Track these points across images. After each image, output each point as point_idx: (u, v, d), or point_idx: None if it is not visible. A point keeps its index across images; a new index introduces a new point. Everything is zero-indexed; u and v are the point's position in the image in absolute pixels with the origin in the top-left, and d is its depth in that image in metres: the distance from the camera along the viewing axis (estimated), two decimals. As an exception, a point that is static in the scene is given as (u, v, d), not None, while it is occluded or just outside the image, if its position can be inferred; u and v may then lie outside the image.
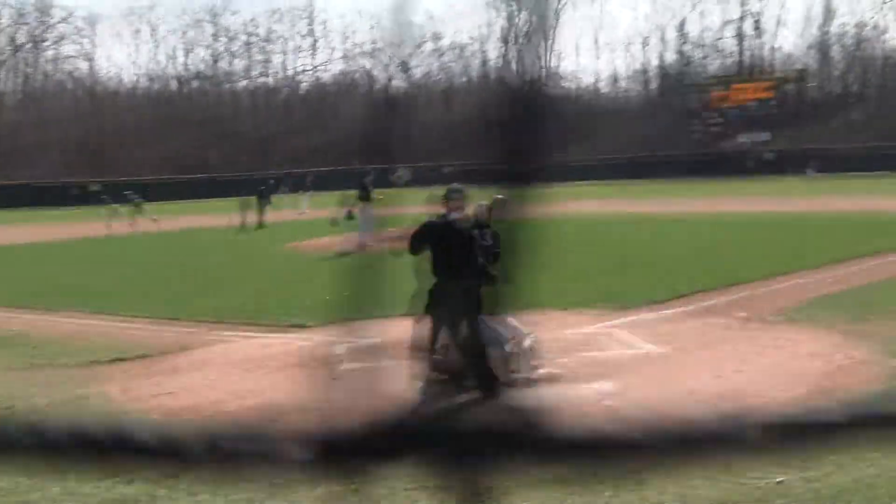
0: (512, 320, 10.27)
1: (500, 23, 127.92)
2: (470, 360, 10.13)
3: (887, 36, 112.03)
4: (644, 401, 9.50)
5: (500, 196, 13.30)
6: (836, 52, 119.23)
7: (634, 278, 18.03)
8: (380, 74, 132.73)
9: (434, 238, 10.21)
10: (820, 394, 9.49)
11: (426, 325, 10.36)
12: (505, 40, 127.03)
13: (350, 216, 29.36)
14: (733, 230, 29.61)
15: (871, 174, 73.73)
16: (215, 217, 47.22)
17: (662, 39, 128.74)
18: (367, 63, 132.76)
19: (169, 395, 10.50)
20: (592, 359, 11.61)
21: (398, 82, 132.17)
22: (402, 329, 13.12)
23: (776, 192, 58.13)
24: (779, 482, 7.06)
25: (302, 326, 14.47)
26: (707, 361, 11.33)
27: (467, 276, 10.17)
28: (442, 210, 10.45)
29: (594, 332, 13.47)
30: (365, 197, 28.74)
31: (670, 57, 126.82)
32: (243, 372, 11.51)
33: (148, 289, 20.26)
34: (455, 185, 10.72)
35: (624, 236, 29.72)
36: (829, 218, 33.52)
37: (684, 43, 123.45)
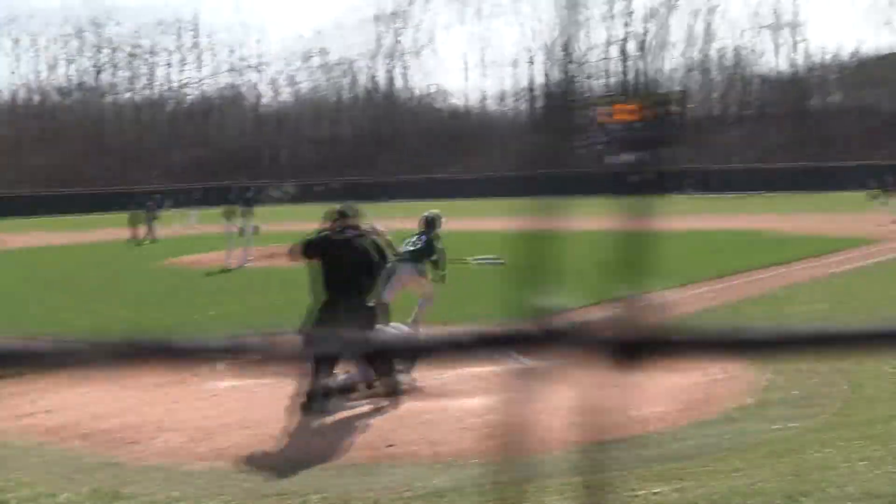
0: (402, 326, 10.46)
1: (386, 40, 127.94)
2: (377, 368, 10.18)
3: (764, 59, 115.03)
4: (524, 415, 9.56)
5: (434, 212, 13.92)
6: (715, 73, 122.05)
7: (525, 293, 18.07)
8: (265, 89, 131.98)
9: (330, 253, 10.17)
10: (697, 406, 9.69)
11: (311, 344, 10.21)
12: (391, 57, 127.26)
13: (240, 231, 29.00)
14: (610, 247, 29.89)
15: (748, 193, 75.70)
16: (98, 232, 46.43)
17: (547, 58, 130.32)
18: (252, 77, 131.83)
19: (46, 414, 10.27)
20: (475, 374, 11.68)
21: (284, 97, 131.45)
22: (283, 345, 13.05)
23: (656, 209, 58.99)
24: (655, 493, 7.19)
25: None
26: (588, 376, 11.45)
27: (361, 293, 10.20)
28: (335, 227, 10.46)
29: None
30: (246, 212, 28.51)
31: (554, 76, 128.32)
32: (121, 389, 11.29)
33: (22, 304, 19.78)
34: (349, 203, 10.81)
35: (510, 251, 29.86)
36: (705, 235, 34.28)
37: (569, 62, 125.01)
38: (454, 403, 10.25)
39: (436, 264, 13.88)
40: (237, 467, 8.27)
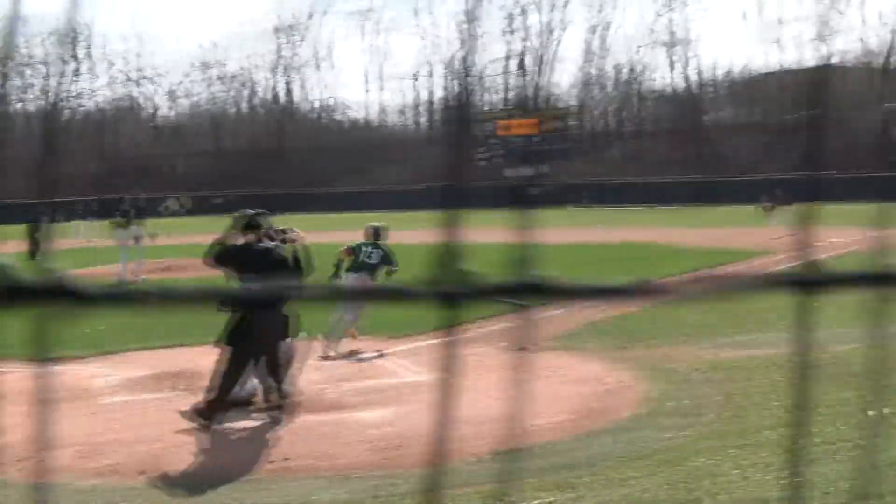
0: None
1: (284, 52, 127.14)
2: (273, 380, 10.14)
3: (656, 74, 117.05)
4: (407, 429, 9.63)
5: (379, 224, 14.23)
6: (610, 88, 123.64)
7: (410, 306, 18.12)
8: (158, 101, 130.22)
9: (247, 262, 10.03)
10: (590, 416, 9.86)
11: (226, 357, 10.10)
12: (286, 69, 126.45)
13: (134, 243, 28.50)
14: (507, 259, 30.08)
15: (640, 206, 76.89)
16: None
17: (446, 72, 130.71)
18: (148, 88, 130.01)
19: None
20: (359, 388, 11.73)
21: (177, 109, 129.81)
22: (168, 360, 12.95)
23: (550, 222, 59.78)
24: (549, 502, 7.30)
25: (69, 358, 13.97)
26: (481, 388, 11.58)
27: (279, 304, 10.14)
28: (245, 239, 10.42)
29: (363, 361, 13.62)
30: (125, 224, 28.08)
31: (454, 89, 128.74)
32: (9, 404, 11.07)
33: None
34: (261, 211, 10.73)
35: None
36: (597, 247, 34.67)
37: (468, 76, 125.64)
38: (351, 416, 10.28)
39: (391, 274, 14.55)
40: (127, 483, 8.19)
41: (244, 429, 9.91)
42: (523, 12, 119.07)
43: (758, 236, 39.09)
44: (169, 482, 8.20)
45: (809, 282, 0.98)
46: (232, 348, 9.98)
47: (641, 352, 13.60)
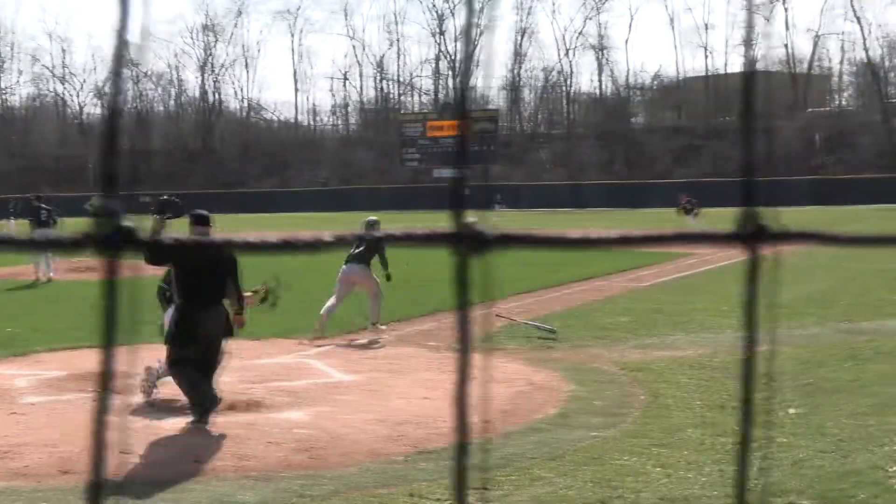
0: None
1: (207, 51, 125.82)
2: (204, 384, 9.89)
3: (573, 80, 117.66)
4: (333, 429, 9.51)
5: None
6: (531, 93, 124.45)
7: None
8: (73, 99, 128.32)
9: (186, 258, 9.73)
10: (502, 417, 9.79)
11: (170, 357, 9.86)
12: (203, 70, 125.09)
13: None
14: (423, 262, 30.09)
15: (561, 210, 77.63)
16: None
17: (360, 75, 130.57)
18: (59, 87, 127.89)
19: None
20: (284, 388, 11.55)
21: (93, 108, 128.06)
22: (81, 360, 12.65)
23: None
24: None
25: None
26: (397, 389, 11.49)
27: (221, 298, 9.94)
28: (194, 232, 10.15)
29: (288, 361, 13.43)
30: (39, 224, 27.57)
31: (371, 93, 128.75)
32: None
33: None
34: (200, 211, 10.50)
35: (314, 266, 29.74)
36: (513, 252, 34.76)
37: (383, 79, 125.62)
38: (262, 417, 10.11)
39: (384, 264, 15.48)
40: (35, 487, 7.94)
41: (169, 428, 9.67)
42: (453, 13, 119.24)
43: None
44: (74, 486, 7.93)
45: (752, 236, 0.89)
46: (173, 347, 9.77)
47: (565, 353, 13.58)
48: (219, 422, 9.74)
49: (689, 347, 13.74)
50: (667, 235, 0.93)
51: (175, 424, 9.82)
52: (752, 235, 0.91)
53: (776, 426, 9.10)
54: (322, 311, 15.05)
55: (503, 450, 8.65)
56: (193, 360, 9.74)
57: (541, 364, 12.69)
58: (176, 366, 9.78)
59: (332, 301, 15.32)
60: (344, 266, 15.45)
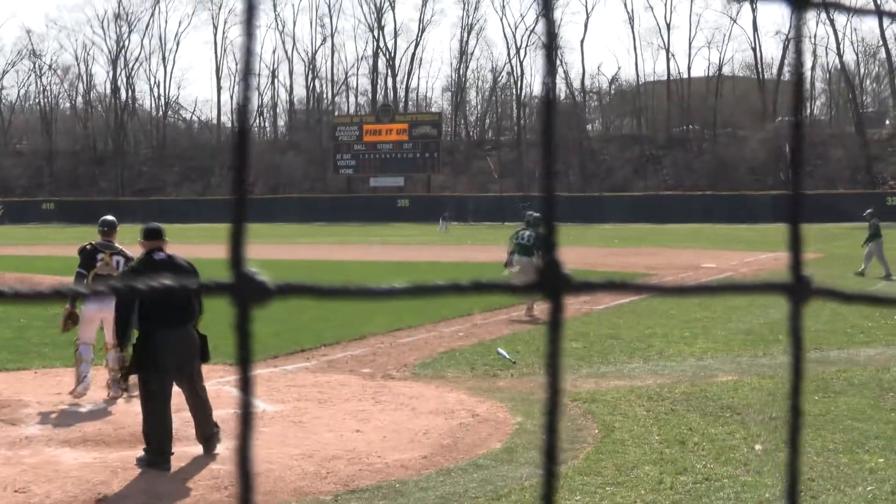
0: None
1: (118, 44, 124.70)
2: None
3: (524, 82, 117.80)
4: (256, 462, 9.40)
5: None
6: (472, 96, 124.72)
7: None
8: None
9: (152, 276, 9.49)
10: (443, 453, 9.76)
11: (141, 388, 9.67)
12: (115, 64, 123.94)
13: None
14: (358, 279, 30.02)
15: (508, 225, 77.61)
16: None
17: (290, 73, 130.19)
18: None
19: None
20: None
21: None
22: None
23: (407, 238, 60.05)
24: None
25: None
26: (326, 421, 11.41)
27: (190, 319, 9.77)
28: (144, 248, 10.08)
29: (208, 389, 13.28)
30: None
31: (301, 92, 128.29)
32: None
33: None
34: (154, 224, 10.31)
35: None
36: (459, 267, 34.80)
37: (314, 78, 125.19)
38: (175, 451, 9.98)
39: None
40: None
41: (70, 464, 9.53)
42: (392, 6, 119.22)
43: (622, 256, 40.14)
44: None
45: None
46: (142, 375, 9.58)
47: (511, 382, 13.55)
48: (126, 456, 9.63)
49: (648, 377, 13.77)
50: (464, 286, 0.96)
51: (77, 459, 9.68)
52: (554, 285, 0.97)
53: (741, 464, 9.15)
54: None
55: (442, 488, 8.62)
56: (159, 389, 9.56)
57: (485, 394, 12.66)
58: (144, 396, 9.61)
59: None
60: None
